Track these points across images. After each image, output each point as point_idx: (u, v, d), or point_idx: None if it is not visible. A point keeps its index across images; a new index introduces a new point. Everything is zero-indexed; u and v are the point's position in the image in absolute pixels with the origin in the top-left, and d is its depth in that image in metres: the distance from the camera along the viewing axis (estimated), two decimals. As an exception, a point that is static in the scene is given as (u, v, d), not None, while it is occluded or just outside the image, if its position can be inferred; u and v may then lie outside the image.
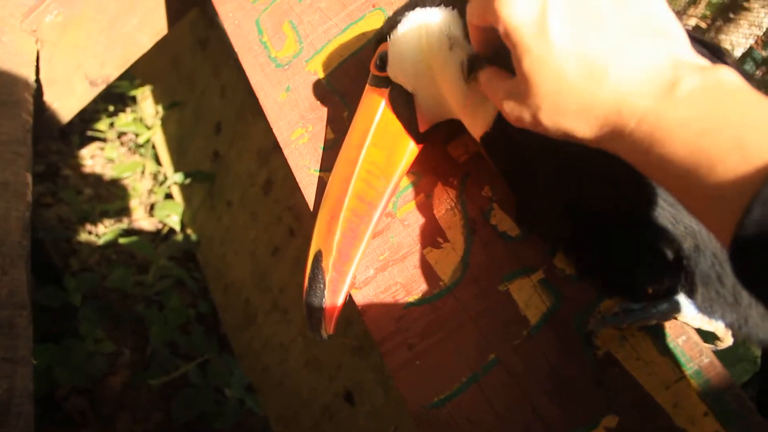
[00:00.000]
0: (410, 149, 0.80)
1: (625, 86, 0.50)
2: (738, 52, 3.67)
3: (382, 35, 0.80)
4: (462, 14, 0.73)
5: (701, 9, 3.75)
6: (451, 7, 0.74)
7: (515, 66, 0.56)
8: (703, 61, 0.51)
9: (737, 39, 3.60)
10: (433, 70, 0.74)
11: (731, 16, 3.45)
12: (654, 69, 0.50)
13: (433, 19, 0.74)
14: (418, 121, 0.79)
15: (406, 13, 0.77)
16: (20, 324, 1.02)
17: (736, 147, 0.43)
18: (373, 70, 0.81)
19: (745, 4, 3.32)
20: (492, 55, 0.65)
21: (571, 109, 0.53)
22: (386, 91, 0.80)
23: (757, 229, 0.41)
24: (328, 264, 0.80)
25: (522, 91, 0.56)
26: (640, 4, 0.53)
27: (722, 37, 3.68)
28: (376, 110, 0.81)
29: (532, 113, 0.56)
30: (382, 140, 0.81)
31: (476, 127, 0.74)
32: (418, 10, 0.76)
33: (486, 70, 0.66)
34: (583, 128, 0.53)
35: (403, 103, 0.79)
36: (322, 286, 0.80)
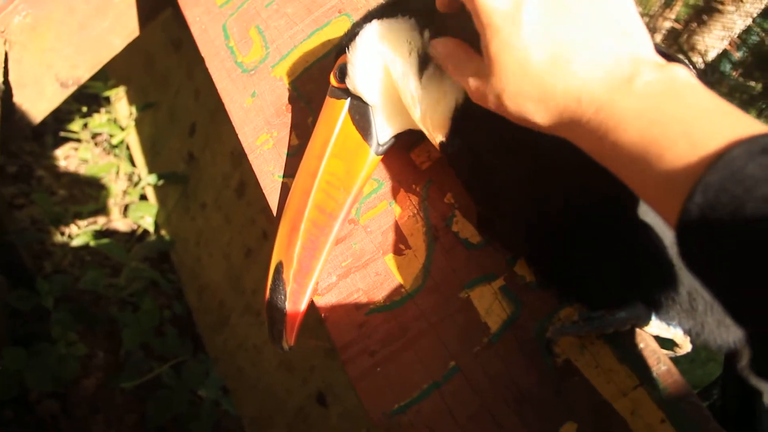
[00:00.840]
0: (370, 160, 0.80)
1: (586, 77, 0.53)
2: (712, 54, 3.71)
3: (341, 47, 0.80)
4: (419, 24, 0.73)
5: (676, 11, 3.78)
6: (408, 17, 0.75)
7: (483, 48, 0.58)
8: (661, 60, 0.53)
9: (711, 41, 3.64)
10: (393, 79, 0.74)
11: (705, 18, 3.49)
12: (615, 64, 0.52)
13: (392, 29, 0.74)
14: (377, 132, 0.79)
15: (365, 25, 0.77)
16: (-15, 330, 1.01)
17: (683, 136, 0.46)
18: (332, 82, 0.81)
19: (719, 7, 3.36)
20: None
21: (534, 94, 0.55)
22: (345, 102, 0.80)
23: (699, 213, 0.43)
24: (289, 275, 0.80)
25: (488, 72, 0.58)
26: (612, 7, 0.55)
27: (696, 38, 3.72)
28: (335, 121, 0.80)
29: (495, 95, 0.58)
30: (342, 151, 0.81)
31: (435, 134, 0.75)
32: (375, 22, 0.76)
33: (446, 41, 0.67)
34: (543, 114, 0.56)
35: (362, 115, 0.79)
36: (283, 297, 0.80)
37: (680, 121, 0.47)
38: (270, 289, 0.81)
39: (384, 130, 0.79)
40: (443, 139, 0.74)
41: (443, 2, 0.67)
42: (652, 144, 0.47)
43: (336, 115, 0.81)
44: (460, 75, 0.64)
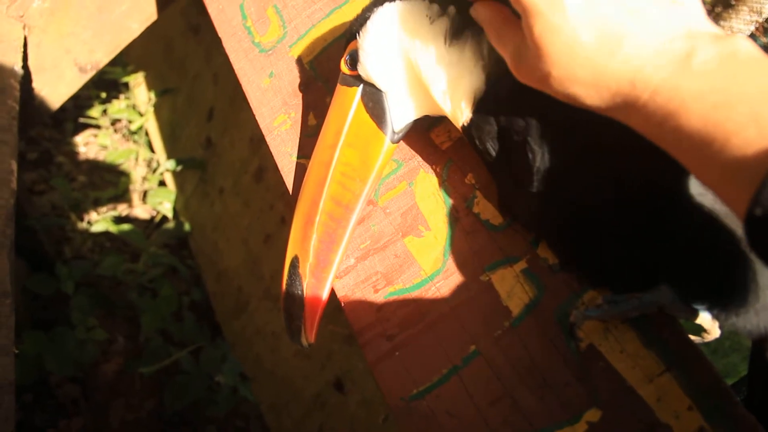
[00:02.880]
0: (385, 149, 0.77)
1: (638, 57, 0.50)
2: (738, 38, 3.65)
3: (351, 33, 0.78)
4: (434, 1, 0.71)
5: (701, -5, 3.72)
6: None
7: (526, 32, 0.55)
8: (718, 30, 0.50)
9: (738, 25, 3.57)
10: (411, 60, 0.72)
11: (732, 2, 3.43)
12: (668, 40, 0.49)
13: (406, 8, 0.72)
14: (391, 119, 0.76)
15: (375, 8, 0.75)
16: (2, 313, 1.00)
17: (751, 121, 0.43)
18: (343, 69, 0.79)
19: (746, -10, 3.29)
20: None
21: (583, 78, 0.52)
22: (357, 90, 0.78)
23: None
24: (305, 270, 0.78)
25: (531, 54, 0.55)
26: None
27: (722, 23, 3.65)
28: (348, 110, 0.78)
29: (541, 76, 0.55)
30: (356, 140, 0.78)
31: (458, 114, 0.73)
32: (387, 4, 0.74)
33: (490, 5, 0.63)
34: (594, 97, 0.53)
35: (376, 102, 0.77)
36: (300, 292, 0.78)
37: (747, 102, 0.44)
38: (286, 284, 0.79)
39: (399, 117, 0.77)
40: (466, 118, 0.72)
41: None
42: (717, 129, 0.44)
43: (348, 103, 0.78)
44: (502, 46, 0.61)
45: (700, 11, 0.52)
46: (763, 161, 0.41)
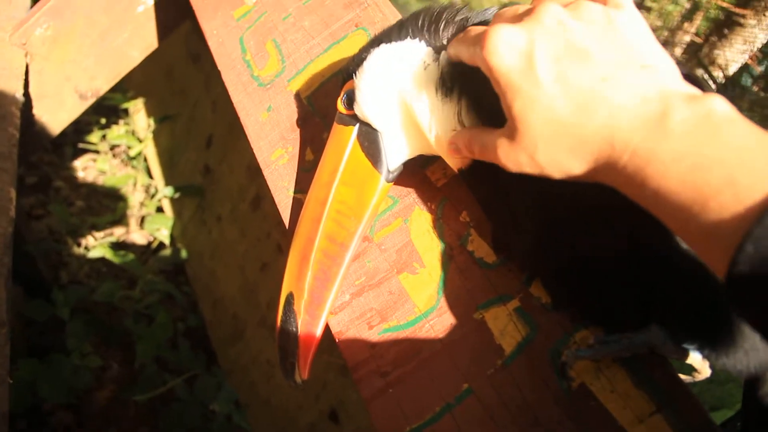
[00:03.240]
0: (380, 188, 0.78)
1: (615, 121, 0.50)
2: (733, 68, 3.68)
3: (347, 73, 0.79)
4: (429, 45, 0.73)
5: (696, 25, 3.76)
6: (418, 39, 0.74)
7: (505, 109, 0.56)
8: (693, 90, 0.51)
9: (732, 55, 3.61)
10: (407, 103, 0.73)
11: (726, 32, 3.46)
12: (642, 101, 0.50)
13: (402, 52, 0.73)
14: (386, 159, 0.77)
15: (371, 49, 0.76)
16: (-2, 342, 1.01)
17: (727, 184, 0.44)
18: (339, 108, 0.80)
19: (740, 21, 3.33)
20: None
21: (566, 146, 0.54)
22: (353, 129, 0.79)
23: (749, 266, 0.42)
24: (300, 307, 0.79)
25: (515, 134, 0.56)
26: (624, 39, 0.54)
27: (717, 52, 3.69)
28: (344, 148, 0.79)
29: (528, 155, 0.56)
30: (352, 179, 0.79)
31: (455, 159, 0.74)
32: (383, 45, 0.75)
33: (462, 132, 0.67)
34: (579, 164, 0.54)
35: (371, 141, 0.77)
36: (294, 329, 0.78)
37: (722, 165, 0.44)
38: (281, 320, 0.80)
39: (394, 157, 0.78)
40: (462, 166, 0.73)
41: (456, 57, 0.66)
42: (695, 192, 0.45)
43: (344, 141, 0.79)
44: (490, 153, 0.62)
45: (674, 72, 0.53)
46: (739, 225, 0.42)
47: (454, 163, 0.75)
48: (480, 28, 0.61)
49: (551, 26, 0.54)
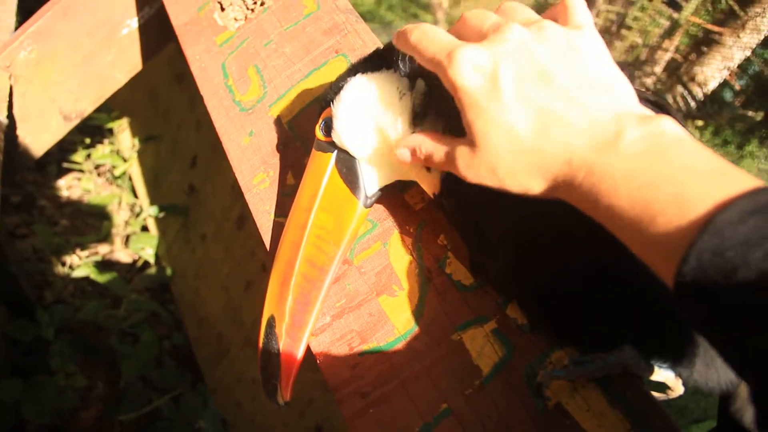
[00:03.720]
0: (358, 213, 0.80)
1: (572, 140, 0.53)
2: (712, 84, 3.74)
3: (325, 101, 0.81)
4: (406, 75, 0.75)
5: (675, 43, 3.82)
6: (393, 69, 0.76)
7: (466, 126, 0.59)
8: (646, 111, 0.54)
9: (711, 72, 3.67)
10: (382, 132, 0.75)
11: (704, 50, 3.52)
12: (598, 123, 0.53)
13: (378, 81, 0.75)
14: (364, 185, 0.79)
15: (348, 78, 0.78)
16: (-20, 365, 1.01)
17: (673, 200, 0.46)
18: (318, 135, 0.81)
19: (718, 39, 3.39)
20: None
21: (526, 164, 0.56)
22: (332, 155, 0.80)
23: (693, 278, 0.44)
24: (282, 330, 0.80)
25: (476, 150, 0.58)
26: (583, 62, 0.56)
27: (696, 69, 3.75)
28: (322, 174, 0.81)
29: (489, 169, 0.58)
30: (330, 205, 0.81)
31: (427, 186, 0.76)
32: (360, 75, 0.77)
33: (416, 137, 0.68)
34: (539, 182, 0.56)
35: (349, 168, 0.79)
36: (276, 352, 0.79)
37: (669, 182, 0.47)
38: (263, 343, 0.81)
39: (372, 183, 0.79)
40: (435, 191, 0.75)
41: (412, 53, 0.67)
42: (644, 208, 0.48)
43: (323, 168, 0.81)
44: (448, 161, 0.63)
45: (631, 96, 0.56)
46: (684, 239, 0.45)
47: (428, 187, 0.77)
48: (438, 38, 0.62)
49: (515, 48, 0.56)
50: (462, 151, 0.60)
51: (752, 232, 0.42)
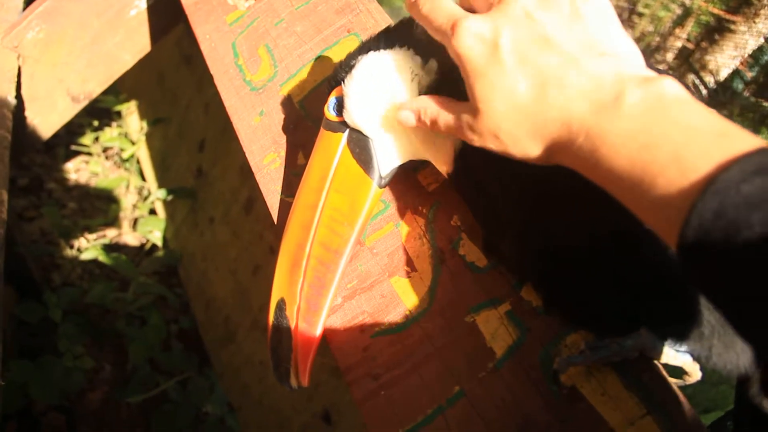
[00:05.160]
0: (372, 194, 0.78)
1: (571, 103, 0.53)
2: (724, 73, 3.71)
3: (336, 80, 0.79)
4: (417, 53, 0.74)
5: (687, 30, 3.78)
6: (406, 47, 0.75)
7: (469, 91, 0.59)
8: (649, 73, 0.53)
9: (723, 60, 3.63)
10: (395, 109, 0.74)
11: (717, 37, 3.49)
12: (598, 85, 0.53)
13: (391, 59, 0.74)
14: (378, 165, 0.78)
15: (359, 57, 0.77)
16: (-11, 344, 1.01)
17: (673, 161, 0.46)
18: (327, 115, 0.80)
19: (731, 27, 3.36)
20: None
21: (527, 128, 0.56)
22: (343, 135, 0.79)
23: (696, 238, 0.44)
24: (293, 313, 0.79)
25: (478, 114, 0.59)
26: (588, 27, 0.56)
27: (708, 57, 3.72)
28: (333, 155, 0.79)
29: (492, 135, 0.59)
30: (343, 186, 0.79)
31: (442, 162, 0.75)
32: (372, 53, 0.76)
33: (421, 100, 0.68)
34: (539, 146, 0.57)
35: (363, 148, 0.78)
36: (288, 335, 0.78)
37: (669, 142, 0.47)
38: (272, 327, 0.80)
39: (386, 163, 0.78)
40: (449, 168, 0.74)
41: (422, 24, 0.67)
42: (645, 169, 0.47)
43: (333, 148, 0.79)
44: (452, 125, 0.64)
45: (634, 58, 0.56)
46: (686, 199, 0.44)
47: (441, 165, 0.75)
48: (445, 7, 0.62)
49: (518, 16, 0.57)
50: (466, 116, 0.61)
51: (754, 191, 0.42)
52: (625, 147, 0.49)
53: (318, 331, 0.78)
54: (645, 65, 0.57)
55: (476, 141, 0.61)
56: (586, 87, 0.53)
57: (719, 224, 0.43)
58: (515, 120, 0.56)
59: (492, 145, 0.60)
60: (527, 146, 0.57)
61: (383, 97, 0.75)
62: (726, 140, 0.46)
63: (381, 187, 0.79)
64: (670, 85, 0.50)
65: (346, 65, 0.78)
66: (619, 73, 0.53)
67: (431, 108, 0.67)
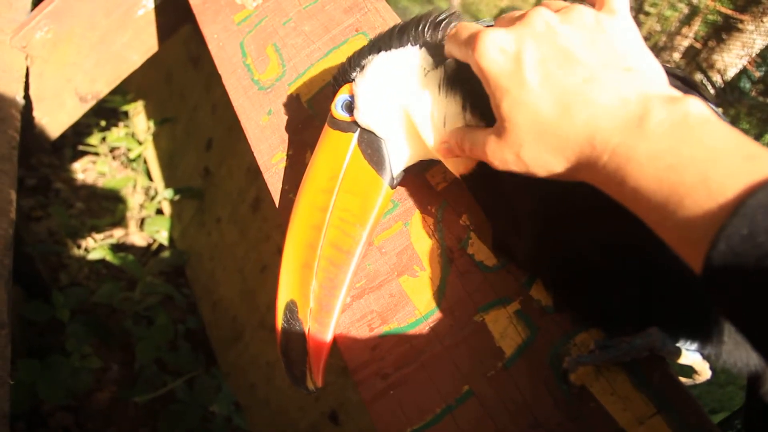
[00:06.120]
0: (383, 194, 0.78)
1: (596, 121, 0.52)
2: (731, 72, 3.69)
3: (345, 79, 0.79)
4: (429, 52, 0.73)
5: (694, 29, 3.77)
6: (418, 46, 0.74)
7: (494, 108, 0.59)
8: (674, 92, 0.53)
9: (730, 59, 3.62)
10: (407, 110, 0.74)
11: (724, 37, 3.48)
12: (623, 103, 0.52)
13: (403, 58, 0.74)
14: (390, 165, 0.77)
15: (370, 56, 0.77)
16: (-1, 344, 1.01)
17: (701, 182, 0.45)
18: (335, 114, 0.80)
19: (739, 26, 3.35)
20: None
21: (550, 145, 0.56)
22: (352, 135, 0.78)
23: (723, 261, 0.43)
24: (306, 315, 0.78)
25: (503, 133, 0.59)
26: (611, 43, 0.56)
27: (715, 57, 3.71)
28: (343, 155, 0.79)
29: (514, 153, 0.59)
30: (354, 186, 0.79)
31: (455, 166, 0.74)
32: (383, 53, 0.76)
33: (455, 131, 0.69)
34: (562, 163, 0.56)
35: (375, 149, 0.77)
36: (301, 338, 0.78)
37: (696, 163, 0.46)
38: (283, 329, 0.79)
39: (397, 163, 0.78)
40: (463, 171, 0.74)
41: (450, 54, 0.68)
42: (671, 190, 0.47)
43: (342, 148, 0.79)
44: (478, 150, 0.64)
45: (658, 76, 0.56)
46: (713, 222, 0.44)
47: (455, 168, 0.75)
48: (471, 27, 0.63)
49: (540, 30, 0.56)
50: (491, 138, 0.61)
51: None
52: (650, 167, 0.48)
53: (330, 332, 0.78)
54: (668, 83, 0.56)
55: (498, 163, 0.61)
56: (610, 105, 0.52)
57: (747, 247, 0.42)
58: (537, 137, 0.56)
59: (514, 166, 0.60)
60: (549, 164, 0.57)
61: (396, 98, 0.74)
62: (754, 163, 0.45)
63: (392, 187, 0.78)
64: (696, 105, 0.49)
65: (357, 64, 0.78)
66: (644, 92, 0.52)
67: (458, 136, 0.68)
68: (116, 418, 2.06)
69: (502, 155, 0.60)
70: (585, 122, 0.53)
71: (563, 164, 0.56)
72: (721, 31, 3.51)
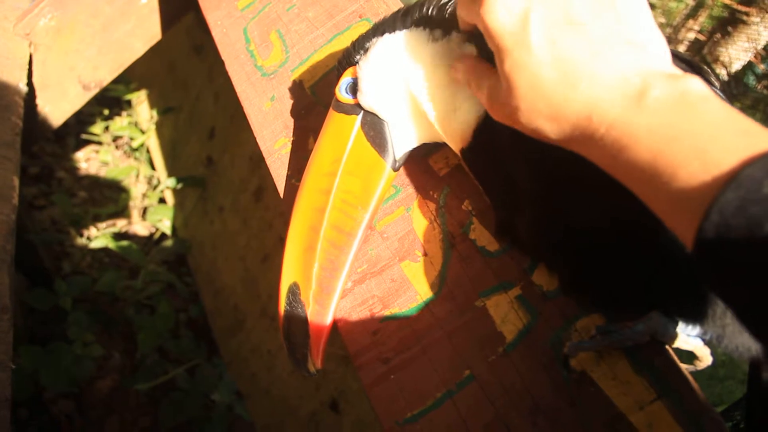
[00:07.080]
0: (386, 176, 0.78)
1: (595, 93, 0.53)
2: (736, 66, 3.68)
3: (348, 61, 0.79)
4: (434, 32, 0.73)
5: (700, 22, 3.76)
6: (421, 28, 0.74)
7: (497, 67, 0.59)
8: (675, 70, 0.53)
9: (736, 53, 3.61)
10: (411, 90, 0.74)
11: (729, 30, 3.46)
12: (624, 78, 0.52)
13: (408, 39, 0.74)
14: (393, 148, 0.78)
15: (374, 39, 0.77)
16: (0, 329, 1.01)
17: (696, 154, 0.45)
18: (339, 97, 0.80)
19: (744, 18, 3.33)
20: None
21: (546, 111, 0.56)
22: (356, 117, 0.79)
23: (715, 234, 0.43)
24: (308, 296, 0.79)
25: (502, 91, 0.59)
26: (619, 15, 0.56)
27: (720, 50, 3.69)
28: (346, 138, 0.79)
29: (510, 111, 0.59)
30: (357, 168, 0.79)
31: (456, 139, 0.74)
32: (387, 35, 0.76)
33: (468, 60, 0.68)
34: (556, 131, 0.56)
35: (378, 131, 0.78)
36: (303, 320, 0.78)
37: (693, 137, 0.46)
38: (286, 311, 0.79)
39: (400, 146, 0.78)
40: (464, 145, 0.74)
41: (463, 21, 0.68)
42: (666, 162, 0.47)
43: (346, 131, 0.79)
44: (479, 90, 0.65)
45: (662, 53, 0.55)
46: (707, 194, 0.44)
47: (456, 143, 0.75)
48: None
49: None
50: (492, 86, 0.61)
51: None
52: (647, 139, 0.48)
53: (331, 314, 0.78)
54: (671, 59, 0.56)
55: (495, 112, 0.62)
56: (611, 79, 0.52)
57: (740, 219, 0.42)
58: (535, 102, 0.56)
59: (508, 120, 0.60)
60: (544, 129, 0.57)
61: (400, 80, 0.74)
62: (750, 138, 0.45)
63: (395, 170, 0.78)
64: (695, 83, 0.49)
65: (361, 47, 0.78)
66: (646, 67, 0.52)
67: (469, 66, 0.67)
68: (118, 406, 2.07)
69: (500, 107, 0.60)
70: (584, 94, 0.53)
71: (557, 132, 0.56)
72: (727, 24, 3.50)
